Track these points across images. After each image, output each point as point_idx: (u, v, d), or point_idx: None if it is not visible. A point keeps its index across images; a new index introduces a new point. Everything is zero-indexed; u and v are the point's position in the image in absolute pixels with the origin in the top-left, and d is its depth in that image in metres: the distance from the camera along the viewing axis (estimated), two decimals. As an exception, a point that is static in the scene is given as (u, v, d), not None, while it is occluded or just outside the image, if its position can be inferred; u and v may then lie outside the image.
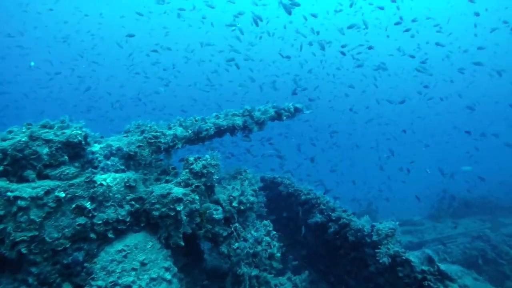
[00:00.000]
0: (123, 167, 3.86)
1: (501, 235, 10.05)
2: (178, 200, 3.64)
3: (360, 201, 13.32)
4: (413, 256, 3.95)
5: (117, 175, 3.62)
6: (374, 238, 4.44)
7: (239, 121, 4.98)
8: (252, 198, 4.38)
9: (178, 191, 3.71)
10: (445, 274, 3.53)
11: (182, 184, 3.94)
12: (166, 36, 29.83)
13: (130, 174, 3.74)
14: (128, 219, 3.55)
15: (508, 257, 8.04)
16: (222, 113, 5.11)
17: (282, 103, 5.86)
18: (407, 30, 15.89)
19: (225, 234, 4.19)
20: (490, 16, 28.09)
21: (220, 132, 4.89)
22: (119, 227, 3.48)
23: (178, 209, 3.61)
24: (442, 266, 3.58)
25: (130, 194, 3.63)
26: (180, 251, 4.02)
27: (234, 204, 4.22)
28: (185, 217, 3.65)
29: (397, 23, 14.05)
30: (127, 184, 3.61)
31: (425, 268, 3.67)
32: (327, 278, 5.84)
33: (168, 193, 3.67)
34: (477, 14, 17.09)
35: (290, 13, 9.92)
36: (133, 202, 3.63)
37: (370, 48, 13.43)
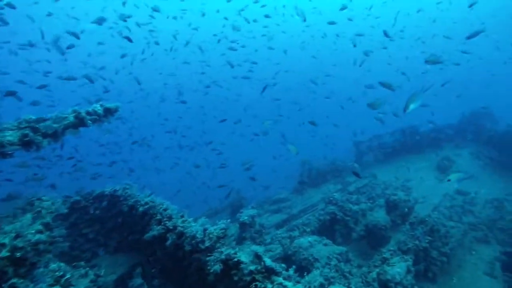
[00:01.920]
0: None
1: (346, 194, 11.45)
2: None
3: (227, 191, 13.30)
4: (245, 256, 3.60)
5: None
6: (207, 243, 3.94)
7: (12, 136, 3.67)
8: (36, 237, 3.25)
9: None
10: (271, 269, 3.28)
11: None
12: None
13: None
14: None
15: (351, 213, 9.03)
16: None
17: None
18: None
19: (-1, 298, 2.98)
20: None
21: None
22: None
23: None
24: (268, 262, 3.32)
25: None
26: None
27: (3, 253, 3.02)
28: None
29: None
30: None
31: (252, 267, 3.35)
32: (181, 293, 5.19)
33: None
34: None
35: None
36: None
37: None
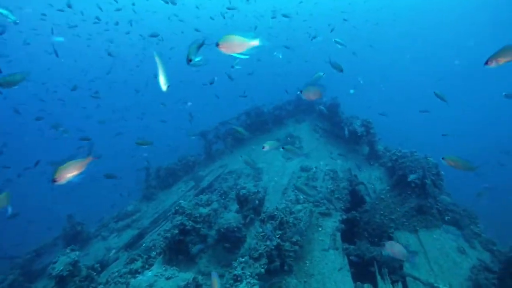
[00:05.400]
0: None
1: (197, 194, 10.43)
2: None
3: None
4: None
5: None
6: None
7: None
8: None
9: None
10: None
11: None
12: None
13: None
14: None
15: (202, 218, 8.04)
16: None
17: None
18: None
19: None
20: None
21: None
22: None
23: None
24: None
25: None
26: None
27: None
28: None
29: None
30: None
31: None
32: None
33: None
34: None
35: None
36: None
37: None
